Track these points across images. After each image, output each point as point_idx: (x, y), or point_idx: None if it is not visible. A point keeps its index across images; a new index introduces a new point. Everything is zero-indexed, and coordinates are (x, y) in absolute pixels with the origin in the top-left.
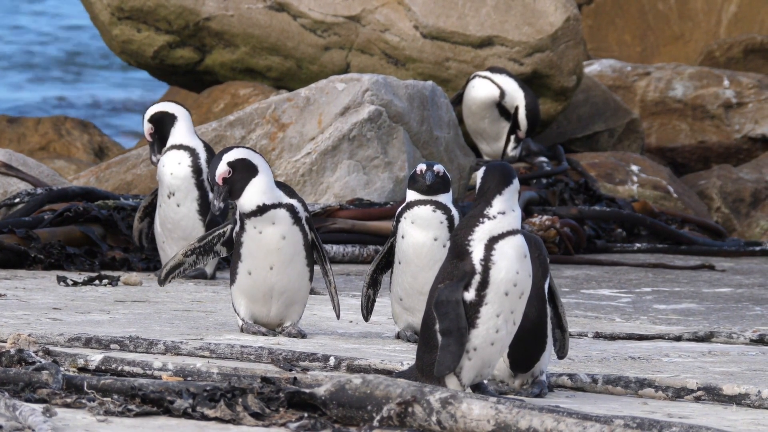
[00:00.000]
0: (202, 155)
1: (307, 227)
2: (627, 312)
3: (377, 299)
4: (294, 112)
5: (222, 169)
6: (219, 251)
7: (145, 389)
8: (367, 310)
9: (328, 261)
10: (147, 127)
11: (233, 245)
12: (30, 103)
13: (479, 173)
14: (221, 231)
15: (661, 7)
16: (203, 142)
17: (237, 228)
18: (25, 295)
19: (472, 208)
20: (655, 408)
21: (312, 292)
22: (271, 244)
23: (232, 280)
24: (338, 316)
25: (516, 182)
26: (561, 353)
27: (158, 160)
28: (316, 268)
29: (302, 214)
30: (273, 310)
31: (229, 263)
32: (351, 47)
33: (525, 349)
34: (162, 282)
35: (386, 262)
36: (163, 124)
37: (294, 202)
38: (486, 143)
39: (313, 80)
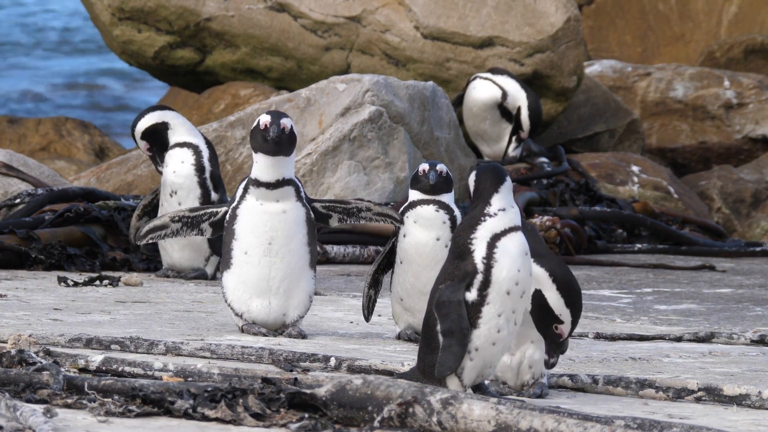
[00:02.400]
0: (205, 153)
1: (307, 204)
2: (628, 312)
3: (378, 300)
4: (294, 112)
5: (287, 122)
6: (204, 230)
7: (146, 390)
8: (368, 311)
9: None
10: (142, 145)
11: (221, 229)
12: None
13: (471, 177)
14: (214, 210)
15: (661, 8)
16: (204, 138)
17: (234, 203)
18: (26, 296)
19: (470, 210)
20: (656, 408)
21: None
22: (271, 218)
23: (226, 266)
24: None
25: (509, 180)
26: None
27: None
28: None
29: (302, 191)
30: (273, 303)
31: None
32: (351, 48)
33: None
34: (140, 238)
35: (387, 262)
36: (157, 134)
37: (296, 179)
38: (487, 144)
39: (314, 81)
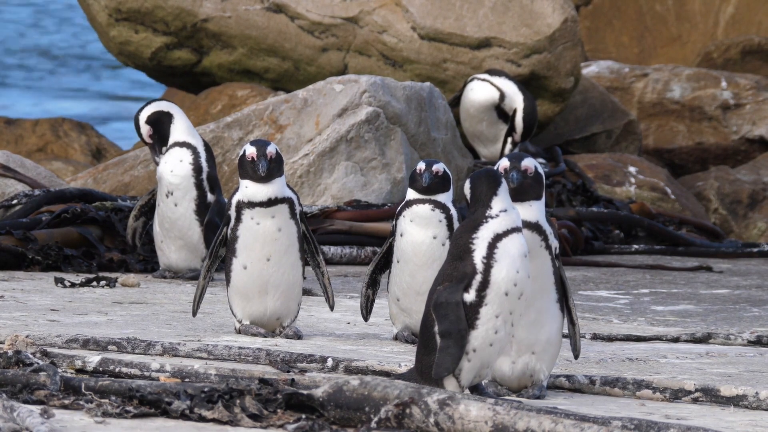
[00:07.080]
0: (203, 154)
1: (300, 220)
2: (625, 313)
3: (376, 300)
4: (291, 113)
5: (272, 150)
6: (222, 254)
7: (143, 390)
8: (366, 310)
9: (320, 253)
10: (145, 130)
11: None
12: None
13: (467, 185)
14: (220, 238)
15: (658, 9)
16: (202, 139)
17: (232, 223)
18: (23, 297)
19: (469, 215)
20: (653, 409)
21: (310, 293)
22: (268, 235)
23: (228, 281)
24: (332, 308)
25: (504, 183)
26: (574, 352)
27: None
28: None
29: (297, 208)
30: (270, 307)
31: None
32: (348, 49)
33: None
34: (195, 314)
35: (385, 262)
36: (161, 123)
37: (293, 195)
38: (483, 146)
39: (311, 82)
